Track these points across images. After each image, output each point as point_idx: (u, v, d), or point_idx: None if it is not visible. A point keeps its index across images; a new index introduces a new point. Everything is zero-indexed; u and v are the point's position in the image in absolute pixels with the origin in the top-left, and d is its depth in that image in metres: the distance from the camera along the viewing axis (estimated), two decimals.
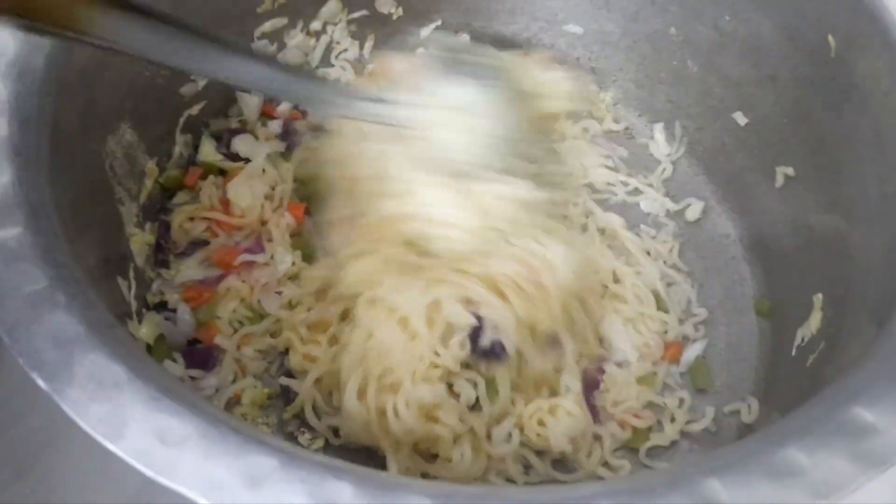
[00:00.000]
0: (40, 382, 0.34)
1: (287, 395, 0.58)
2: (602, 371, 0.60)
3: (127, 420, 0.34)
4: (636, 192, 0.71)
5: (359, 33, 0.75)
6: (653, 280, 0.65)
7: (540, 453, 0.56)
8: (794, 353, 0.57)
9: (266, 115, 0.70)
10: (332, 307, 0.58)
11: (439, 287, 0.54)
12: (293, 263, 0.62)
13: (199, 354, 0.58)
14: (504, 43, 0.77)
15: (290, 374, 0.59)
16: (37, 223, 0.40)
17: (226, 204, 0.64)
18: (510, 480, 0.54)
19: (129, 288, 0.56)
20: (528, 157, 0.55)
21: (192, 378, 0.57)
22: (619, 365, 0.60)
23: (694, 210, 0.70)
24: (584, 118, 0.76)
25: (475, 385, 0.55)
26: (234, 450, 0.33)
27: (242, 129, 0.69)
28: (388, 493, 0.33)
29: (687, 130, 0.73)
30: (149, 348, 0.57)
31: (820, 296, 0.56)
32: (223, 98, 0.70)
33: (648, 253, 0.67)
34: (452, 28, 0.76)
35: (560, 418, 0.55)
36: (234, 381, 0.58)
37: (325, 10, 0.72)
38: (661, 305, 0.64)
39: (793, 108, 0.62)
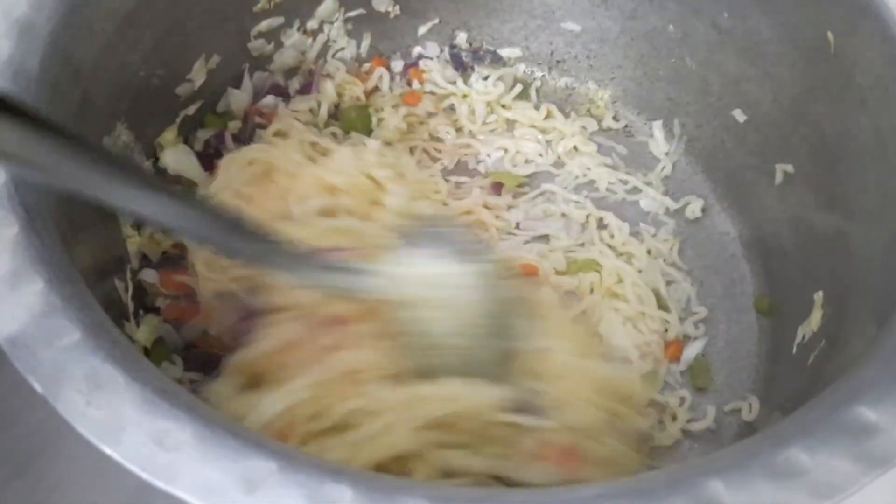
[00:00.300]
0: (36, 386, 0.34)
1: None
2: None
3: (123, 423, 0.33)
4: (635, 190, 0.71)
5: (355, 32, 0.74)
6: (654, 279, 0.65)
7: None
8: (794, 350, 0.57)
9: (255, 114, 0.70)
10: None
11: None
12: None
13: (199, 358, 0.58)
14: (501, 41, 0.77)
15: None
16: (32, 224, 0.40)
17: None
18: None
19: (126, 290, 0.56)
20: (502, 335, 0.51)
21: (192, 381, 0.57)
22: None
23: (693, 208, 0.70)
24: (582, 116, 0.75)
25: None
26: (231, 453, 0.33)
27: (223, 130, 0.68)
28: (387, 496, 0.32)
29: (686, 128, 0.73)
30: (147, 351, 0.56)
31: (820, 293, 0.56)
32: (219, 99, 0.69)
33: (649, 251, 0.67)
34: (450, 26, 0.76)
35: None
36: None
37: (322, 9, 0.71)
38: (661, 304, 0.64)
39: (792, 106, 0.62)
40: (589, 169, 0.72)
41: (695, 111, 0.71)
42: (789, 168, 0.63)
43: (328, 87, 0.71)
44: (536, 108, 0.76)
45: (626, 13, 0.72)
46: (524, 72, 0.77)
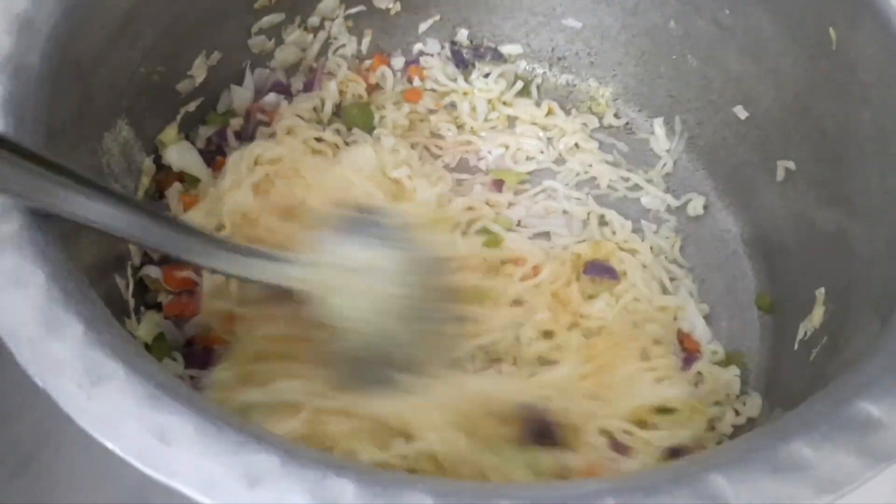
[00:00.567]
0: (37, 380, 0.34)
1: None
2: None
3: (125, 418, 0.33)
4: (637, 187, 0.71)
5: (356, 29, 0.74)
6: (658, 275, 0.65)
7: None
8: (796, 347, 0.57)
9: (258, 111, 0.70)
10: None
11: None
12: None
13: (200, 354, 0.58)
14: (502, 38, 0.77)
15: None
16: (34, 220, 0.40)
17: None
18: None
19: (127, 286, 0.56)
20: (428, 319, 0.51)
21: (192, 378, 0.57)
22: None
23: (695, 205, 0.70)
24: (583, 113, 0.75)
25: None
26: (233, 447, 0.33)
27: (224, 127, 0.68)
28: (390, 491, 0.32)
29: (687, 125, 0.72)
30: (148, 347, 0.56)
31: (822, 290, 0.56)
32: (220, 96, 0.69)
33: (651, 248, 0.66)
34: (451, 23, 0.76)
35: None
36: None
37: (323, 6, 0.71)
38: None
39: (794, 102, 0.61)
40: (590, 166, 0.72)
41: (696, 108, 0.71)
42: (791, 165, 0.63)
43: (331, 86, 0.71)
44: (537, 105, 0.76)
45: (627, 10, 0.72)
46: (525, 69, 0.77)
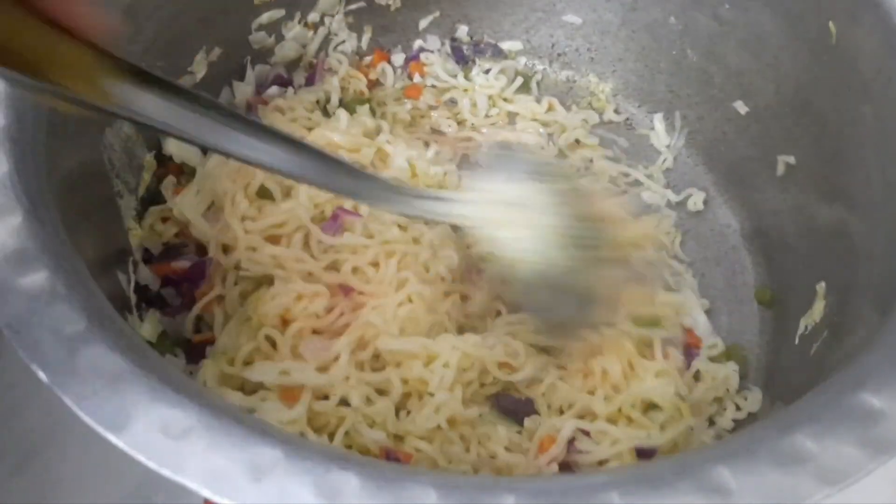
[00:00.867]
0: (41, 375, 0.34)
1: None
2: None
3: (129, 412, 0.33)
4: (637, 183, 0.71)
5: (356, 25, 0.74)
6: (661, 271, 0.65)
7: None
8: (797, 341, 0.57)
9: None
10: None
11: None
12: None
13: (199, 350, 0.58)
14: (502, 34, 0.77)
15: None
16: (36, 213, 0.40)
17: None
18: None
19: (129, 282, 0.56)
20: (588, 246, 0.53)
21: (191, 374, 0.57)
22: None
23: (695, 200, 0.70)
24: (584, 109, 0.75)
25: None
26: (238, 441, 0.33)
27: None
28: (393, 484, 0.32)
29: (687, 120, 0.73)
30: (150, 345, 0.56)
31: (823, 284, 0.56)
32: (220, 91, 0.69)
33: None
34: (451, 19, 0.76)
35: None
36: None
37: (323, 2, 0.71)
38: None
39: (794, 97, 0.62)
40: (591, 161, 0.72)
41: (696, 103, 0.71)
42: (791, 159, 0.63)
43: (333, 82, 0.71)
44: (538, 101, 0.76)
45: (627, 5, 0.72)
46: (525, 65, 0.78)
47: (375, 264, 0.58)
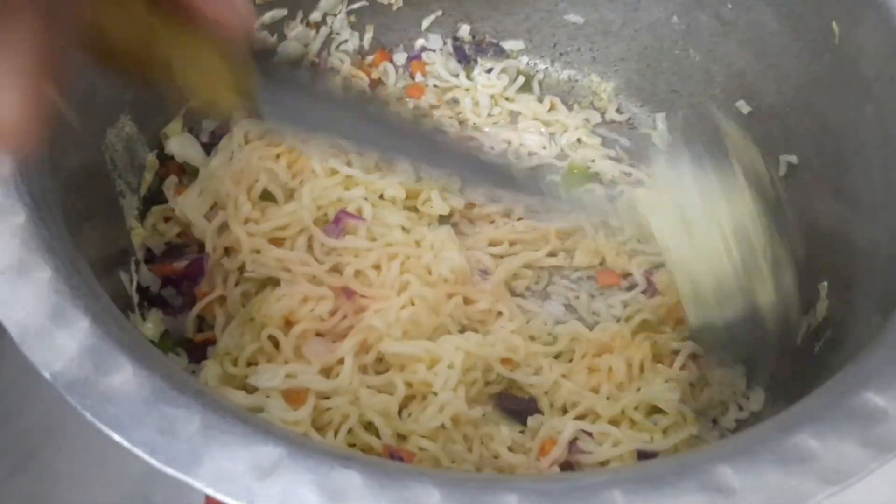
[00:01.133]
0: (44, 373, 0.34)
1: None
2: None
3: (133, 411, 0.33)
4: (639, 182, 0.71)
5: (358, 24, 0.74)
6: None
7: None
8: (799, 341, 0.57)
9: None
10: None
11: None
12: None
13: (200, 350, 0.58)
14: (504, 33, 0.77)
15: None
16: (39, 213, 0.40)
17: None
18: None
19: (131, 282, 0.56)
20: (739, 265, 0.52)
21: (193, 372, 0.57)
22: None
23: None
24: (586, 108, 0.75)
25: None
26: (241, 440, 0.33)
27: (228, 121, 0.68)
28: (396, 482, 0.32)
29: (689, 120, 0.73)
30: (153, 344, 0.56)
31: (825, 284, 0.56)
32: None
33: None
34: (453, 19, 0.76)
35: None
36: None
37: (325, 1, 0.71)
38: None
39: (796, 97, 0.61)
40: (592, 161, 0.72)
41: (698, 103, 0.71)
42: (793, 159, 0.63)
43: (336, 81, 0.71)
44: (540, 100, 0.75)
45: (630, 5, 0.72)
46: (527, 64, 0.77)
47: (377, 267, 0.58)
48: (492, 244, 0.64)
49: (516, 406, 0.56)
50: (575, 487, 0.33)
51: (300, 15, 0.71)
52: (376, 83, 0.75)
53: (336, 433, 0.51)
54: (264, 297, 0.56)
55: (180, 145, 0.63)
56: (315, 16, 0.72)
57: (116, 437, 0.33)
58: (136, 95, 0.58)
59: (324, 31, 0.73)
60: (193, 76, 0.34)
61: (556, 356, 0.59)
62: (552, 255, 0.65)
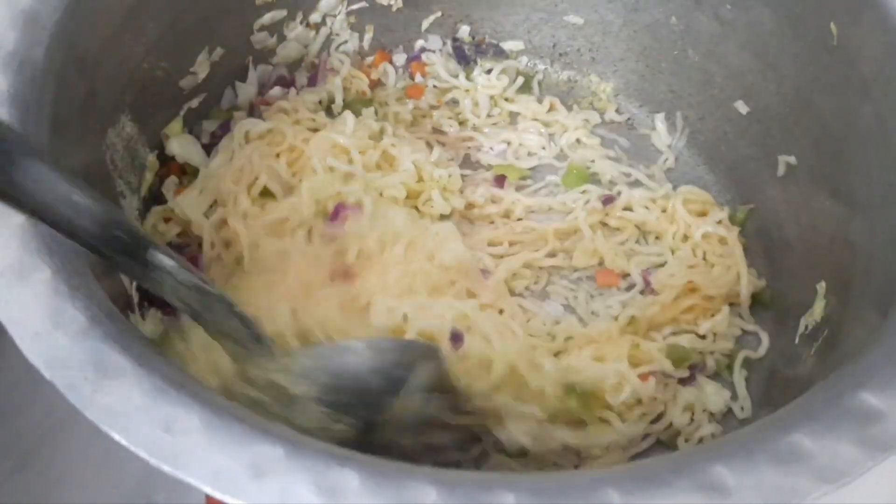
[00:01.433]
0: (44, 373, 0.34)
1: None
2: None
3: (131, 410, 0.34)
4: (638, 183, 0.71)
5: (358, 25, 0.74)
6: None
7: None
8: (797, 341, 0.57)
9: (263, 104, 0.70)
10: None
11: None
12: None
13: None
14: (504, 34, 0.77)
15: None
16: None
17: None
18: None
19: (132, 282, 0.56)
20: None
21: None
22: None
23: None
24: (585, 109, 0.75)
25: None
26: (239, 439, 0.33)
27: (228, 121, 0.68)
28: (393, 481, 0.33)
29: (688, 120, 0.73)
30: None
31: (823, 284, 0.56)
32: (223, 92, 0.70)
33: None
34: (452, 19, 0.76)
35: None
36: None
37: (325, 2, 0.71)
38: None
39: (795, 97, 0.62)
40: (592, 162, 0.72)
41: (697, 103, 0.71)
42: (792, 160, 0.63)
43: (336, 82, 0.72)
44: (539, 101, 0.76)
45: (629, 6, 0.72)
46: (527, 65, 0.78)
47: (379, 247, 0.58)
48: (491, 244, 0.65)
49: None
50: (571, 486, 0.33)
51: (300, 16, 0.71)
52: (376, 84, 0.75)
53: None
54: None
55: (180, 145, 0.64)
56: (315, 17, 0.72)
57: (116, 437, 0.33)
58: (136, 96, 0.58)
59: (323, 31, 0.73)
60: None
61: (556, 354, 0.59)
62: (551, 255, 0.65)
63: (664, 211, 0.67)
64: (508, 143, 0.73)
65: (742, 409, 0.59)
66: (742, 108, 0.67)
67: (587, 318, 0.63)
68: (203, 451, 0.33)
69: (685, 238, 0.65)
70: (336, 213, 0.60)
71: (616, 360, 0.57)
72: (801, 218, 0.62)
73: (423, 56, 0.77)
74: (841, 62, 0.56)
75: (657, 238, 0.67)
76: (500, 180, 0.69)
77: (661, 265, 0.65)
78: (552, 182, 0.71)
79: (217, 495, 0.32)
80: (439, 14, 0.76)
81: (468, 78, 0.76)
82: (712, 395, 0.58)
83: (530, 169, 0.72)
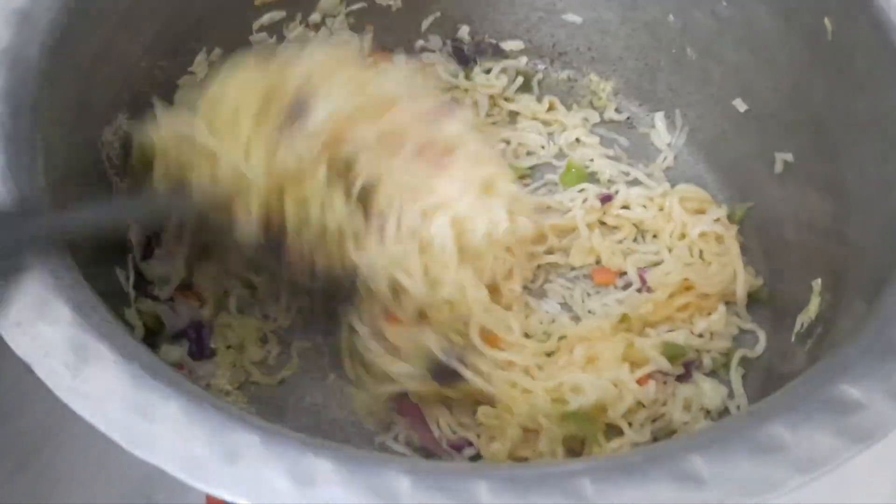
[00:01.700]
0: (26, 361, 0.35)
1: None
2: None
3: (110, 397, 0.34)
4: (637, 181, 0.71)
5: (357, 25, 0.74)
6: None
7: None
8: (793, 339, 0.57)
9: None
10: None
11: None
12: None
13: (196, 343, 0.58)
14: (503, 34, 0.77)
15: None
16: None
17: None
18: None
19: (128, 278, 0.57)
20: None
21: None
22: None
23: None
24: (584, 108, 0.75)
25: None
26: (215, 426, 0.34)
27: None
28: (367, 469, 0.33)
29: (688, 119, 0.72)
30: (151, 333, 0.57)
31: (818, 281, 0.55)
32: None
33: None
34: (452, 20, 0.76)
35: None
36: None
37: (324, 3, 0.71)
38: None
39: (791, 93, 0.61)
40: (591, 160, 0.72)
41: (696, 101, 0.71)
42: (789, 157, 0.62)
43: None
44: (539, 100, 0.75)
45: (627, 4, 0.72)
46: (526, 64, 0.77)
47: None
48: None
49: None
50: (545, 475, 0.33)
51: (299, 16, 0.71)
52: None
53: None
54: None
55: None
56: (314, 17, 0.72)
57: (94, 423, 0.33)
58: (134, 95, 0.59)
59: (323, 32, 0.73)
60: None
61: (549, 354, 0.58)
62: (550, 252, 0.65)
63: (661, 209, 0.66)
64: (508, 143, 0.73)
65: (738, 406, 0.58)
66: (740, 105, 0.67)
67: (584, 317, 0.62)
68: (179, 438, 0.33)
69: (682, 236, 0.65)
70: None
71: (611, 362, 0.56)
72: (798, 215, 0.61)
73: (423, 56, 0.77)
74: (836, 57, 0.56)
75: (654, 236, 0.66)
76: None
77: (658, 263, 0.65)
78: (551, 181, 0.71)
79: (190, 482, 0.32)
80: (439, 14, 0.76)
81: (468, 78, 0.76)
82: (709, 392, 0.58)
83: (529, 168, 0.72)
